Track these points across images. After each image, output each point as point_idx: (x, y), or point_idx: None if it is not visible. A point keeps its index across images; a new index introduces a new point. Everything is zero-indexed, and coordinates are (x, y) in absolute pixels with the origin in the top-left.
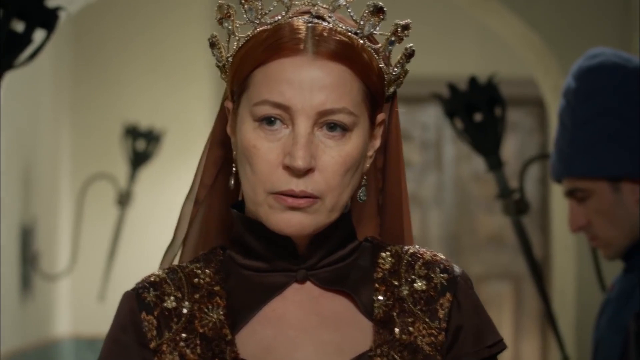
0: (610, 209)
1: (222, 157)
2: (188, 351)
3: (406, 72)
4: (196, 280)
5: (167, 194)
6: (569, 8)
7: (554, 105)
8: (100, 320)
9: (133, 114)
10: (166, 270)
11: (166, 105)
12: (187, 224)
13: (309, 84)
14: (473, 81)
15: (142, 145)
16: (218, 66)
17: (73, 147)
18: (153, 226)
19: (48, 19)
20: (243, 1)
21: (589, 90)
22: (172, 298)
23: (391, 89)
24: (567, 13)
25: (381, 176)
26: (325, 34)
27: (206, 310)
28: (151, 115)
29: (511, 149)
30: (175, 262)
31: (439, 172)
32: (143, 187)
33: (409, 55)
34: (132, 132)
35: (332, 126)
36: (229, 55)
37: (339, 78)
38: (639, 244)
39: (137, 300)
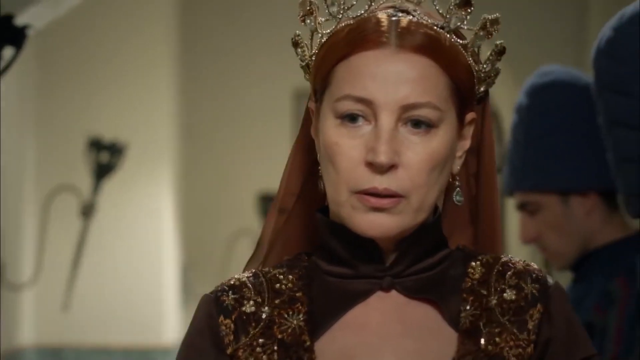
0: (559, 221)
1: (308, 162)
2: (265, 357)
3: (497, 70)
4: (278, 285)
5: (130, 205)
6: (525, 24)
7: (509, 120)
8: (64, 330)
9: (97, 126)
10: (248, 275)
11: (129, 117)
12: (271, 234)
13: (392, 77)
14: None
15: (105, 158)
16: (302, 66)
17: (37, 159)
18: (116, 237)
19: (16, 38)
20: None
21: (540, 107)
22: (251, 302)
23: (482, 88)
24: (523, 29)
25: (474, 182)
26: (409, 27)
27: (286, 315)
28: (115, 128)
29: None
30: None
31: None
32: (106, 199)
33: (500, 52)
34: (96, 145)
35: (417, 122)
36: (312, 53)
37: (423, 71)
38: (587, 256)
39: (215, 304)
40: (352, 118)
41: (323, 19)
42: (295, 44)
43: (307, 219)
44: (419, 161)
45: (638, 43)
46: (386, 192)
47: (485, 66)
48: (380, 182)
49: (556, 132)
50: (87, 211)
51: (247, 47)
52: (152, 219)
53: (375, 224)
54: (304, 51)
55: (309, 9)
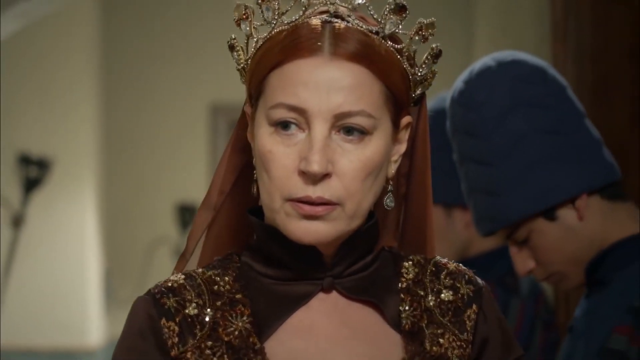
0: (442, 231)
1: (242, 163)
2: (215, 359)
3: (434, 73)
4: (216, 287)
5: (56, 215)
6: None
7: None
8: None
9: (25, 143)
10: (183, 276)
11: (56, 134)
12: (201, 231)
13: (325, 85)
14: None
15: (33, 172)
16: (238, 69)
17: None
18: (44, 246)
19: None
20: (260, 1)
21: (431, 130)
22: (193, 305)
23: (418, 91)
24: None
25: (405, 182)
26: (343, 34)
27: (230, 318)
28: (42, 144)
29: None
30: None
31: None
32: (35, 210)
33: (436, 55)
34: (25, 160)
35: (350, 130)
36: (247, 57)
37: (357, 79)
38: (463, 263)
39: (155, 306)
40: (285, 126)
41: (258, 24)
42: (231, 47)
43: (236, 218)
44: (352, 169)
45: (483, 94)
46: (320, 201)
47: (421, 69)
48: (314, 191)
49: (440, 151)
50: (17, 222)
51: (166, 62)
52: (77, 228)
53: (309, 231)
54: (239, 55)
55: (244, 14)
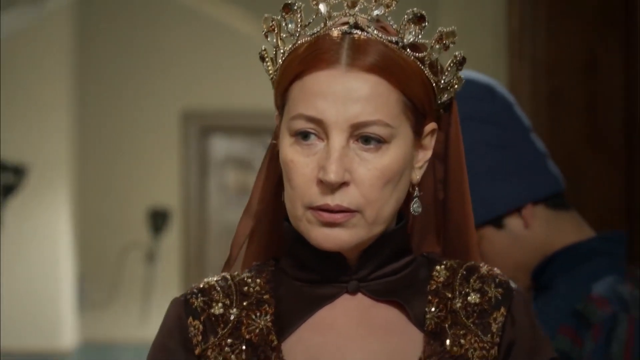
0: (509, 243)
1: (280, 172)
2: (233, 356)
3: (460, 80)
4: (246, 288)
5: (32, 220)
6: None
7: None
8: None
9: (1, 150)
10: (217, 278)
11: (31, 141)
12: (243, 239)
13: (342, 96)
14: None
15: (9, 179)
16: (270, 80)
17: None
18: (20, 250)
19: None
20: (283, 14)
21: None
22: (219, 304)
23: (444, 97)
24: None
25: (442, 187)
26: (361, 45)
27: (254, 317)
28: (18, 151)
29: None
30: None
31: None
32: (11, 216)
33: (459, 62)
34: (0, 167)
35: (367, 139)
36: (275, 68)
37: (374, 90)
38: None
39: (184, 306)
40: (304, 136)
41: (285, 35)
42: (262, 58)
43: (275, 225)
44: (370, 177)
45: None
46: (338, 209)
47: (445, 77)
48: (332, 200)
49: None
50: None
51: (138, 70)
52: (51, 233)
53: (330, 237)
54: (268, 66)
55: (271, 26)
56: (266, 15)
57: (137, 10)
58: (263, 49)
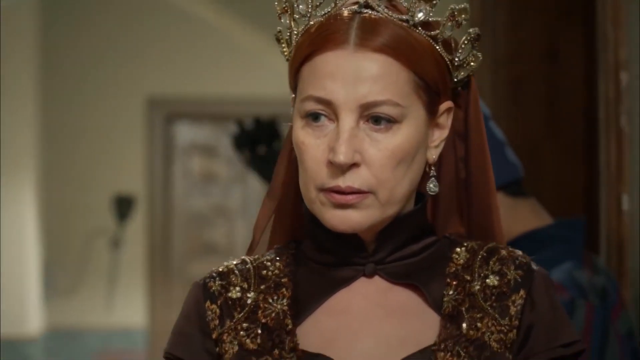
0: None
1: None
2: (248, 340)
3: (477, 57)
4: (265, 272)
5: (2, 209)
6: None
7: None
8: None
9: None
10: (237, 262)
11: None
12: (265, 222)
13: (351, 76)
14: (257, 121)
15: None
16: (287, 62)
17: None
18: None
19: None
20: None
21: None
22: (237, 288)
23: (461, 75)
24: None
25: (464, 166)
26: (370, 24)
27: (270, 300)
28: None
29: None
30: None
31: (244, 186)
32: None
33: (474, 39)
34: None
35: (377, 119)
36: (290, 50)
37: (382, 69)
38: None
39: (203, 290)
40: (315, 117)
41: (297, 16)
42: (277, 40)
43: (297, 208)
44: (381, 157)
45: None
46: (349, 190)
47: (459, 54)
48: (344, 181)
49: None
50: None
51: (104, 57)
52: (17, 220)
53: (343, 219)
54: (284, 47)
55: (285, 7)
56: None
57: None
58: (278, 30)
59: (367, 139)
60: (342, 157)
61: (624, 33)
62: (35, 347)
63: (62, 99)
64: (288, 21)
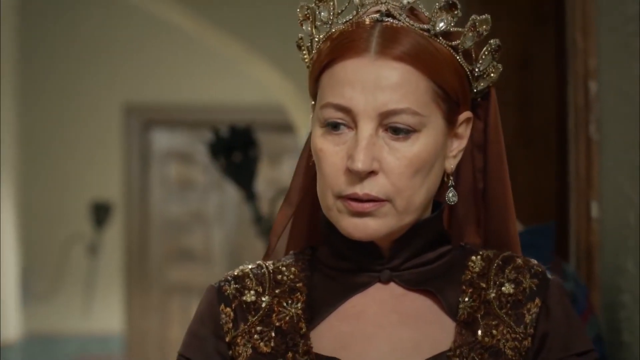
0: None
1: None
2: (262, 344)
3: (497, 68)
4: (280, 276)
5: None
6: None
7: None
8: None
9: None
10: (252, 266)
11: None
12: (282, 228)
13: (370, 84)
14: (232, 128)
15: None
16: (307, 69)
17: None
18: None
19: None
20: (317, 2)
21: None
22: (252, 292)
23: (481, 86)
24: None
25: (482, 177)
26: (391, 33)
27: (285, 304)
28: None
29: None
30: None
31: (221, 192)
32: None
33: (494, 50)
34: None
35: (397, 129)
36: (310, 57)
37: (402, 78)
38: None
39: (217, 293)
40: (334, 126)
41: (319, 24)
42: (298, 47)
43: (314, 214)
44: (399, 166)
45: None
46: (367, 197)
47: (480, 65)
48: (361, 188)
49: None
50: None
51: (81, 63)
52: None
53: (359, 227)
54: (305, 54)
55: (306, 14)
56: (302, 3)
57: (79, 5)
58: (299, 37)
59: (386, 147)
60: (360, 164)
61: (593, 42)
62: (13, 352)
63: (39, 105)
64: (310, 28)
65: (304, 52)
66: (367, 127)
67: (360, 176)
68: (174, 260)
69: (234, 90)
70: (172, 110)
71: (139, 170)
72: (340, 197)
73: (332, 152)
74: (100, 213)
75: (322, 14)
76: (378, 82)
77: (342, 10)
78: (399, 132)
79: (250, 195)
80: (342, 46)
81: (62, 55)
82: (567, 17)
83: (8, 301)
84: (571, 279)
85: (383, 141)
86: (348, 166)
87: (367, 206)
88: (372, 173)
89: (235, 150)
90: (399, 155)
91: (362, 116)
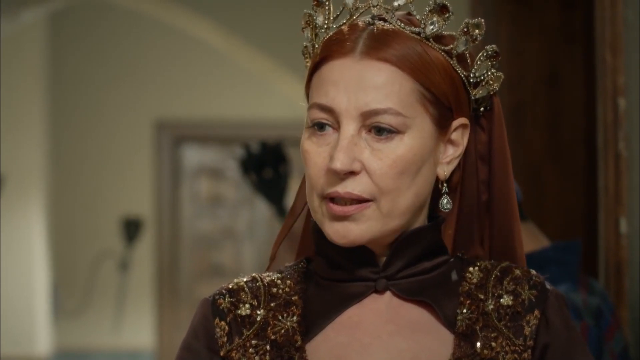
0: None
1: None
2: (257, 357)
3: (497, 77)
4: (275, 289)
5: (8, 229)
6: None
7: None
8: None
9: None
10: (247, 279)
11: (6, 152)
12: (282, 237)
13: (353, 84)
14: (263, 144)
15: None
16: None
17: None
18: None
19: None
20: (315, 7)
21: None
22: (247, 306)
23: (479, 93)
24: None
25: (486, 189)
26: (380, 35)
27: (280, 317)
28: None
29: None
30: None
31: (251, 208)
32: None
33: (491, 56)
34: None
35: (380, 130)
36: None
37: (386, 78)
38: None
39: (211, 307)
40: (320, 127)
41: (318, 30)
42: (303, 54)
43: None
44: (382, 166)
45: None
46: (348, 196)
47: (475, 70)
48: (343, 187)
49: None
50: None
51: (112, 80)
52: (26, 242)
53: (341, 232)
54: (307, 61)
55: (307, 21)
56: (305, 10)
57: (110, 23)
58: (304, 45)
59: (369, 148)
60: (339, 164)
61: (622, 59)
62: None
63: (71, 122)
64: (309, 34)
65: (306, 57)
66: (349, 127)
67: (340, 176)
68: (204, 276)
69: (264, 106)
70: (202, 126)
71: (170, 186)
72: (323, 197)
73: (316, 153)
74: (131, 229)
75: (318, 19)
76: (361, 82)
77: (337, 15)
78: (382, 132)
79: (280, 211)
80: (331, 47)
81: (93, 72)
82: (596, 35)
83: (39, 317)
84: (597, 294)
85: (366, 142)
86: (328, 165)
87: (349, 209)
88: (353, 173)
89: (266, 166)
90: (382, 156)
91: (344, 116)
